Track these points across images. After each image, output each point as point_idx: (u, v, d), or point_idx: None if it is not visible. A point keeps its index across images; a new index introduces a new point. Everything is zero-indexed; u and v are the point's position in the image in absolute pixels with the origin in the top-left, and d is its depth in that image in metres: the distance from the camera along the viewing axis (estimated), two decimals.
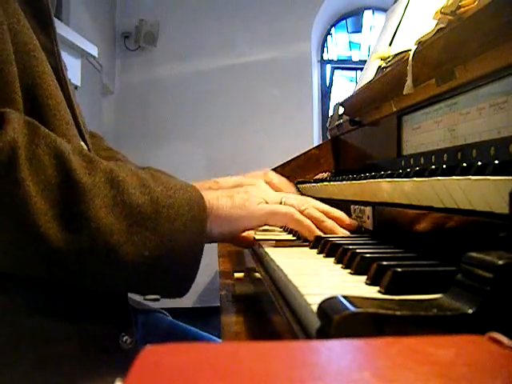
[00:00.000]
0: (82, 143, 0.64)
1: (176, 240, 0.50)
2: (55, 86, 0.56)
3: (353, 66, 3.69)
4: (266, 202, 0.60)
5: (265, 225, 0.60)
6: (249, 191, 0.60)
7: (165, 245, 0.49)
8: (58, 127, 0.54)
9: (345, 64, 3.70)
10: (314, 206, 0.63)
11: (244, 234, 0.66)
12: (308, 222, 0.60)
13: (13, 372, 0.48)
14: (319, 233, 0.60)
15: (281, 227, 0.84)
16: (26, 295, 0.51)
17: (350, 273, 0.42)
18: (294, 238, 0.70)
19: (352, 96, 1.10)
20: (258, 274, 0.62)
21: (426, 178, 0.45)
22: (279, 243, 0.66)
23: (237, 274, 0.75)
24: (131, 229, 0.48)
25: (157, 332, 0.74)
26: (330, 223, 0.62)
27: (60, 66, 0.60)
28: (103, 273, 0.49)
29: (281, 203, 0.61)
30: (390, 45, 1.02)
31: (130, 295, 0.62)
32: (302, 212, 0.60)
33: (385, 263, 0.37)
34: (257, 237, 0.68)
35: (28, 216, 0.43)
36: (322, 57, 3.65)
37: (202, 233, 0.51)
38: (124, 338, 0.54)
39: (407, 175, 0.54)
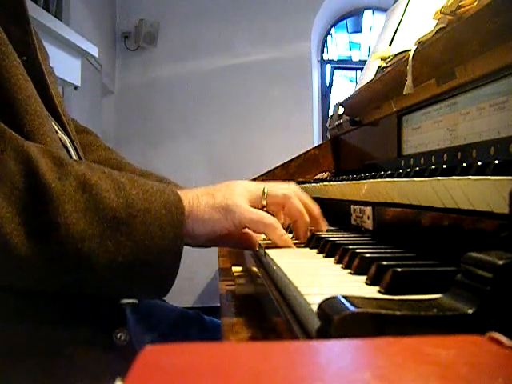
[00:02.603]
0: (62, 134, 0.63)
1: (152, 245, 0.48)
2: (25, 80, 0.54)
3: (353, 66, 3.68)
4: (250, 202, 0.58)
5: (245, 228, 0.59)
6: (229, 189, 0.57)
7: (140, 249, 0.47)
8: (30, 121, 0.52)
9: (345, 64, 3.70)
10: (296, 195, 0.62)
11: (248, 235, 0.65)
12: (282, 239, 0.59)
13: (8, 378, 0.47)
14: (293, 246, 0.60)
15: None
16: (14, 301, 0.50)
17: (350, 273, 0.42)
18: (294, 237, 0.70)
19: (352, 96, 1.10)
20: (255, 269, 0.62)
21: (426, 178, 0.46)
22: None
23: (235, 268, 0.75)
24: (104, 234, 0.46)
25: (152, 314, 0.74)
26: (316, 209, 0.62)
27: (36, 55, 0.59)
28: (75, 279, 0.48)
29: (263, 194, 0.59)
30: (390, 45, 1.02)
31: None
32: (285, 205, 0.60)
33: (385, 263, 0.37)
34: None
35: None
36: (322, 57, 3.65)
37: (180, 236, 0.50)
38: (118, 335, 0.53)
39: (407, 175, 0.54)
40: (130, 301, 0.52)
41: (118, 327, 0.54)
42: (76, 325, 0.52)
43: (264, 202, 0.59)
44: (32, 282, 0.48)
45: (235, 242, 0.64)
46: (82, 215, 0.45)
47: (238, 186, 0.58)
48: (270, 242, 0.65)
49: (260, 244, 0.62)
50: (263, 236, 0.67)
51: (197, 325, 0.80)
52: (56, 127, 0.62)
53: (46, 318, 0.51)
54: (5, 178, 0.43)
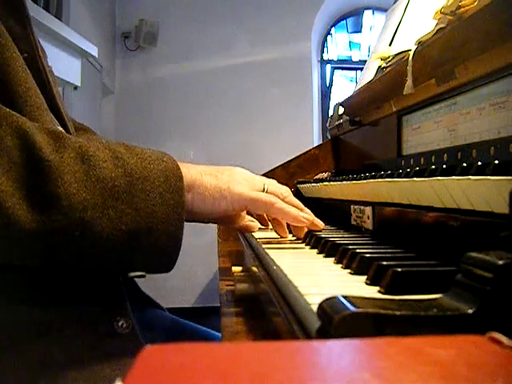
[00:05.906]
0: (61, 129, 0.64)
1: (153, 212, 0.48)
2: (24, 72, 0.54)
3: (353, 66, 3.68)
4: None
5: (245, 209, 0.60)
6: (232, 173, 0.59)
7: (142, 218, 0.48)
8: (28, 113, 0.52)
9: (345, 64, 3.70)
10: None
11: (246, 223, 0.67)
12: (291, 208, 0.60)
13: (5, 363, 0.47)
14: (303, 219, 0.61)
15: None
16: (13, 285, 0.50)
17: (350, 273, 0.42)
18: (294, 237, 0.70)
19: (352, 96, 1.10)
20: (255, 269, 0.62)
21: (426, 178, 0.45)
22: (278, 241, 0.66)
23: (235, 268, 0.75)
24: (106, 203, 0.46)
25: (154, 328, 0.74)
26: (308, 211, 0.63)
27: (37, 52, 0.59)
28: (80, 252, 0.47)
29: (263, 190, 0.60)
30: (390, 45, 1.02)
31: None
32: (283, 199, 0.61)
33: (385, 263, 0.37)
34: (256, 235, 0.68)
35: None
36: (322, 57, 3.65)
37: (181, 203, 0.50)
38: (120, 323, 0.53)
39: (407, 175, 0.54)
40: (138, 273, 0.52)
41: (119, 314, 0.53)
42: (75, 310, 0.51)
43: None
44: (35, 259, 0.47)
45: (234, 224, 0.67)
46: (83, 185, 0.46)
47: (240, 173, 0.60)
48: (268, 240, 0.65)
49: (260, 243, 0.62)
50: (257, 235, 0.68)
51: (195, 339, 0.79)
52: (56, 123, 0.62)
53: (45, 302, 0.50)
54: (2, 153, 0.43)
